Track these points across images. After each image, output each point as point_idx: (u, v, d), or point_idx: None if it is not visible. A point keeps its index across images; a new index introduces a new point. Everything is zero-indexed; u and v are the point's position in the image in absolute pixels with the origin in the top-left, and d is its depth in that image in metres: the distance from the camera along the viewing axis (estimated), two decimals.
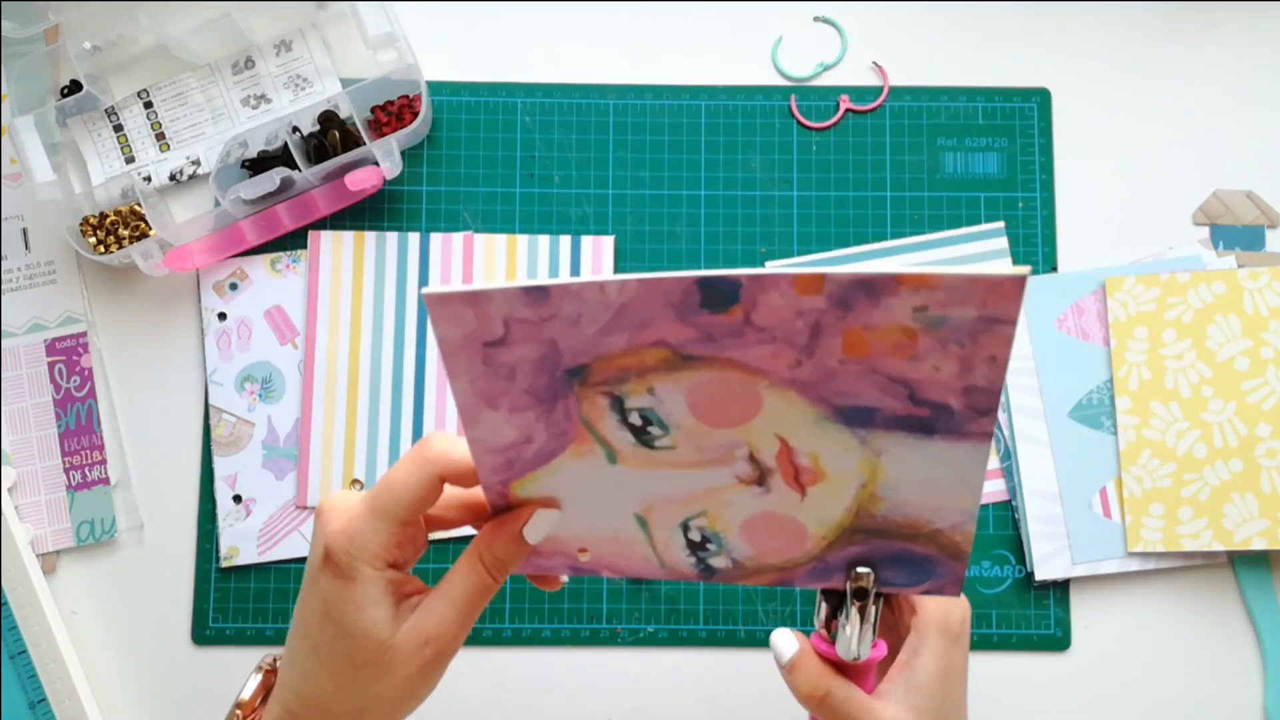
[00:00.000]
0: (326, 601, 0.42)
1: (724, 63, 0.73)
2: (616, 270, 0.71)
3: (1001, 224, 0.71)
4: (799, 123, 0.73)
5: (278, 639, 0.68)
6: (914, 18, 0.74)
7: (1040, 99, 0.73)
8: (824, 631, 0.45)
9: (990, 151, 0.72)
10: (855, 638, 0.44)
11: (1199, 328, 0.68)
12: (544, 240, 0.71)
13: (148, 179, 0.72)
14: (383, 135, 0.70)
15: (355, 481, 0.69)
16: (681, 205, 0.72)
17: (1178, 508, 0.67)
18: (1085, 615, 0.68)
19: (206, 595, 0.69)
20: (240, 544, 0.69)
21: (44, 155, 0.69)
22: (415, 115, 0.71)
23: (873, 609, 0.44)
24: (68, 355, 0.71)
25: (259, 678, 0.47)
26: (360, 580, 0.41)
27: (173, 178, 0.72)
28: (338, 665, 0.42)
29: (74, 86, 0.72)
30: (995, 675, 0.68)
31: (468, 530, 0.42)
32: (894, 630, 0.49)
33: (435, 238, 0.71)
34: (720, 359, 0.37)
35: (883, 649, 0.46)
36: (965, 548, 0.41)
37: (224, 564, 0.69)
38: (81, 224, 0.71)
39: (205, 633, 0.69)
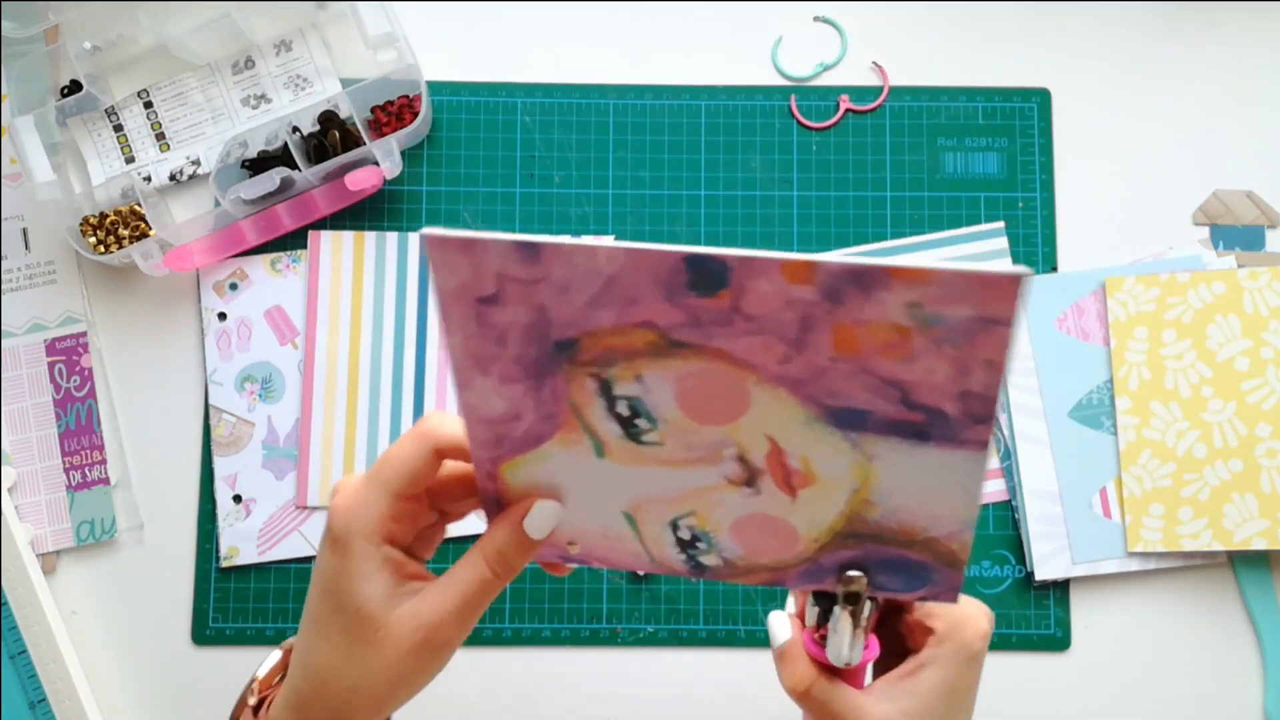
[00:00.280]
0: (325, 575, 0.42)
1: (724, 63, 0.73)
2: None
3: (1001, 224, 0.71)
4: (799, 123, 0.73)
5: (278, 639, 0.68)
6: (914, 18, 0.74)
7: (1040, 99, 0.73)
8: (815, 635, 0.45)
9: (990, 151, 0.72)
10: (846, 644, 0.43)
11: (1199, 328, 0.68)
12: None
13: (148, 179, 0.72)
14: (383, 135, 0.70)
15: None
16: (681, 205, 0.72)
17: (1178, 508, 0.67)
18: (1085, 615, 0.68)
19: (206, 595, 0.69)
20: (240, 544, 0.69)
21: (44, 155, 0.69)
22: (415, 115, 0.71)
23: (865, 611, 0.43)
24: (68, 355, 0.71)
25: (278, 655, 0.48)
26: (355, 553, 0.41)
27: (173, 178, 0.72)
28: (334, 639, 0.42)
29: (74, 86, 0.72)
30: (995, 675, 0.68)
31: (482, 529, 0.43)
32: (896, 635, 0.48)
33: None
34: (708, 348, 0.36)
35: (875, 649, 0.45)
36: (962, 556, 0.40)
37: (224, 564, 0.69)
38: (81, 224, 0.71)
39: (205, 633, 0.69)
